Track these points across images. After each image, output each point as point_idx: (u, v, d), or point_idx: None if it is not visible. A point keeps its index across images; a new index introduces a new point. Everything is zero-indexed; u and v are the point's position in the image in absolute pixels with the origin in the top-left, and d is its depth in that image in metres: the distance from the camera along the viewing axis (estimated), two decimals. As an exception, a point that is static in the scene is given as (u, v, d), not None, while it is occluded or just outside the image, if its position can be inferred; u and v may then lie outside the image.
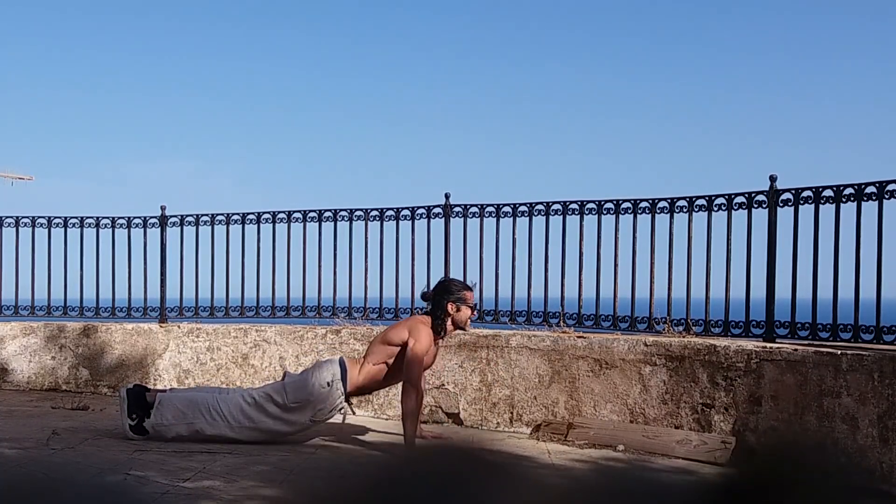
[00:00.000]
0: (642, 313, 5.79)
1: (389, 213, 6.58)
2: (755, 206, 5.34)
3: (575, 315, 6.00)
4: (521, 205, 6.16)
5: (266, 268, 6.91)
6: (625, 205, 5.82)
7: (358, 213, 6.68)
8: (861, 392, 4.41)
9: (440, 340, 5.06)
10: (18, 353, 7.16)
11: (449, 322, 4.95)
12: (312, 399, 4.90)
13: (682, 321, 5.59)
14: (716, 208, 5.49)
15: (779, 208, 5.24)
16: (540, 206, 6.09)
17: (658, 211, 5.70)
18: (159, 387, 6.33)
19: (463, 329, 5.11)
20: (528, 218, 6.13)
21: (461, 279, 5.23)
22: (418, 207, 6.49)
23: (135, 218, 7.21)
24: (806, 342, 5.01)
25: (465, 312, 4.96)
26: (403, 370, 4.86)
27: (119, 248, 7.21)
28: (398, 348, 4.92)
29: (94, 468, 4.15)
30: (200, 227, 7.05)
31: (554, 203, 6.05)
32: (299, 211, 6.86)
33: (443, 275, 6.37)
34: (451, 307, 4.93)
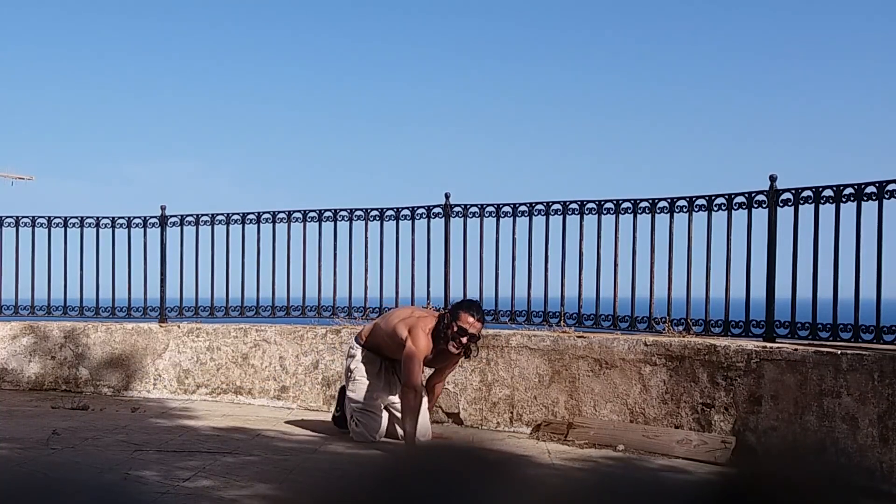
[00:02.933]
0: (642, 313, 5.79)
1: (389, 213, 6.58)
2: (755, 206, 5.34)
3: (575, 315, 6.00)
4: (521, 205, 6.15)
5: (266, 268, 6.91)
6: (625, 205, 5.81)
7: (358, 213, 6.68)
8: (861, 392, 4.41)
9: (453, 348, 4.96)
10: (18, 352, 7.16)
11: (450, 345, 4.94)
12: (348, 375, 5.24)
13: (682, 321, 5.59)
14: (716, 208, 5.48)
15: (779, 208, 5.24)
16: (540, 206, 6.09)
17: (658, 211, 5.70)
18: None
19: (454, 349, 4.96)
20: (528, 218, 6.13)
21: (480, 308, 5.12)
22: (418, 207, 6.49)
23: (135, 218, 7.21)
24: (806, 342, 5.00)
25: (457, 335, 4.91)
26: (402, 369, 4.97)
27: (119, 248, 7.22)
28: (399, 339, 4.99)
29: (94, 468, 4.15)
30: (200, 227, 7.05)
31: (554, 203, 6.05)
32: (299, 211, 6.86)
33: (443, 274, 6.38)
34: (453, 325, 4.91)
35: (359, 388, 5.11)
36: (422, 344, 4.88)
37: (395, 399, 5.20)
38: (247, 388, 6.64)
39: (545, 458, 4.90)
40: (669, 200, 5.66)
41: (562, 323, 5.99)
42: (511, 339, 5.82)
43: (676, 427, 5.20)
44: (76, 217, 7.27)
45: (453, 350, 4.95)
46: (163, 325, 7.03)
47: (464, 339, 4.92)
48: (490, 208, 6.26)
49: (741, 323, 5.39)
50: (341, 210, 6.73)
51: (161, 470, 4.12)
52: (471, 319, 4.92)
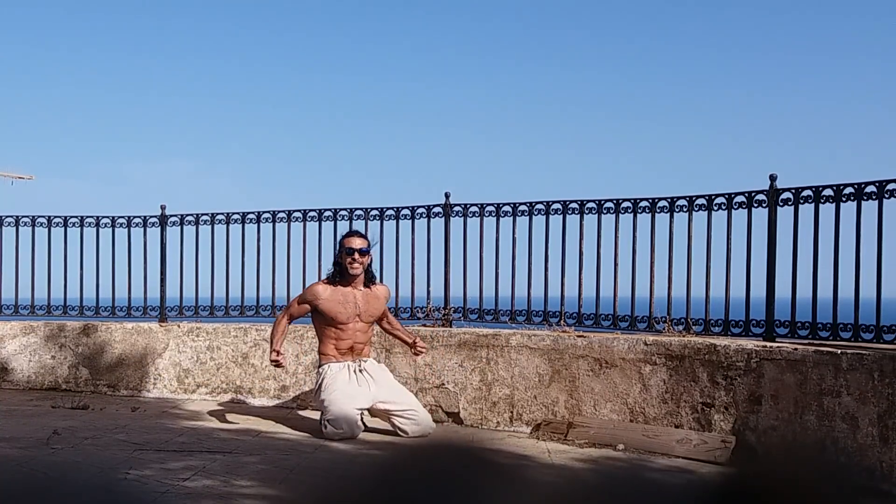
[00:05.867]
0: (642, 312, 5.79)
1: (389, 212, 6.58)
2: (755, 205, 5.34)
3: (575, 314, 6.00)
4: (521, 204, 6.15)
5: (266, 267, 6.92)
6: (625, 204, 5.82)
7: (358, 212, 6.68)
8: (861, 391, 4.41)
9: (353, 269, 5.47)
10: (18, 352, 7.16)
11: (349, 267, 5.47)
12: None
13: (682, 320, 5.59)
14: (716, 208, 5.49)
15: (779, 208, 5.24)
16: (540, 206, 6.09)
17: (658, 210, 5.70)
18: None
19: (349, 272, 5.46)
20: (528, 217, 6.13)
21: (358, 232, 5.80)
22: (418, 207, 6.49)
23: (135, 217, 7.21)
24: (806, 341, 5.01)
25: (344, 257, 5.49)
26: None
27: (119, 247, 7.22)
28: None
29: (94, 468, 4.15)
30: (200, 227, 7.05)
31: (554, 203, 6.05)
32: (299, 210, 6.86)
33: (443, 274, 6.39)
34: (342, 253, 5.52)
35: (328, 393, 5.32)
36: (310, 289, 5.60)
37: (381, 397, 5.35)
38: (247, 387, 6.64)
39: (545, 457, 4.90)
40: (669, 200, 5.66)
41: (562, 322, 5.99)
42: (511, 339, 5.83)
43: (676, 426, 5.20)
44: (76, 217, 7.27)
45: (354, 270, 5.46)
46: (163, 324, 7.03)
47: (355, 255, 5.48)
48: (490, 208, 6.26)
49: (741, 322, 5.39)
50: (341, 210, 6.74)
51: (161, 469, 4.12)
52: (349, 237, 5.58)
